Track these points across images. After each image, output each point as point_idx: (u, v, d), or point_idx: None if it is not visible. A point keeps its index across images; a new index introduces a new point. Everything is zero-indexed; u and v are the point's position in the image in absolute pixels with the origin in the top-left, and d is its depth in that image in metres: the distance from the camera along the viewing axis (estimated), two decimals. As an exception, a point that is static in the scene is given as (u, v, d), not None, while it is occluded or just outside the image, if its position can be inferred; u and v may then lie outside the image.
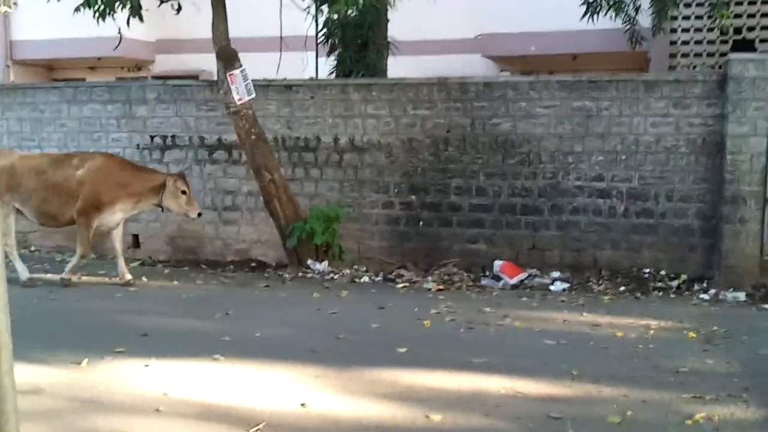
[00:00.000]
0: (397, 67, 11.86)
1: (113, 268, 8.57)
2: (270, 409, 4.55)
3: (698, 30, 14.50)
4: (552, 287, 8.51)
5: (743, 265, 8.41)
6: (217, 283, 8.70)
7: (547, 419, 4.49)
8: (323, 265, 9.01)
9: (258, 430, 4.26)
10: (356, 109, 9.74)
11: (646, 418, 4.54)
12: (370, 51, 11.08)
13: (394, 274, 9.06)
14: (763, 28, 14.25)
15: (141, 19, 9.25)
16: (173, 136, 10.37)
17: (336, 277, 8.88)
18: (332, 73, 11.69)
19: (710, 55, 14.48)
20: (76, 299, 7.73)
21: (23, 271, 8.35)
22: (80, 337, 6.17)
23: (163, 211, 8.63)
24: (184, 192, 8.25)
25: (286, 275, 8.97)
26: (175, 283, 8.29)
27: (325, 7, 9.60)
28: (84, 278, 8.68)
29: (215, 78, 9.45)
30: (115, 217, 8.31)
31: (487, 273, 9.04)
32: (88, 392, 4.84)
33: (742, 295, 8.05)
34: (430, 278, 8.80)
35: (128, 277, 8.33)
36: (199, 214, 8.45)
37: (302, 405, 4.64)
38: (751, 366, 5.55)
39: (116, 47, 10.65)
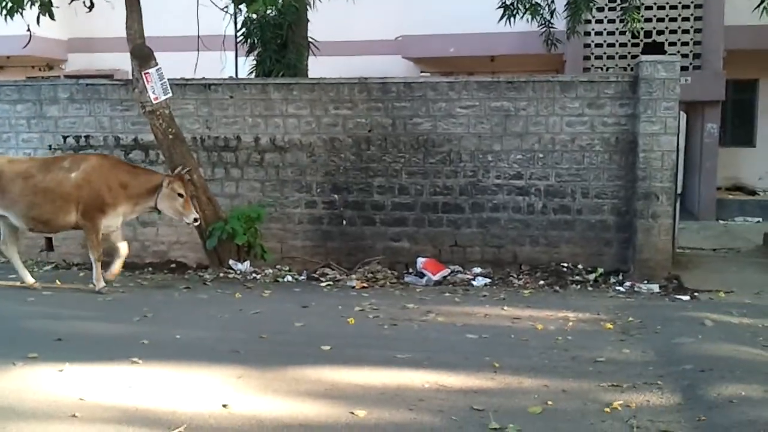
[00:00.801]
0: (318, 68, 11.83)
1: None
2: (191, 411, 4.45)
3: (611, 33, 15.02)
4: (474, 282, 8.63)
5: (656, 258, 8.72)
6: (134, 285, 8.46)
7: (471, 411, 4.54)
8: (245, 266, 8.88)
9: (179, 432, 4.17)
10: (277, 108, 9.65)
11: (566, 407, 4.64)
12: (290, 51, 11.02)
13: (317, 273, 9.02)
14: (672, 31, 14.85)
15: (52, 16, 8.91)
16: (87, 136, 10.04)
17: (258, 277, 8.77)
18: (252, 72, 11.56)
19: (622, 57, 15.02)
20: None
21: (26, 276, 8.08)
22: (-11, 344, 5.90)
23: (159, 213, 8.26)
24: (180, 195, 7.90)
25: (207, 276, 8.80)
26: (91, 286, 8.01)
27: (243, 6, 9.45)
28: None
29: (130, 77, 9.19)
30: (117, 220, 8.02)
31: (411, 270, 9.10)
32: (-2, 400, 4.64)
33: (655, 287, 8.33)
34: (353, 276, 8.79)
35: (102, 285, 7.95)
36: (195, 220, 8.05)
37: (224, 406, 4.55)
38: (665, 355, 5.73)
39: (26, 45, 10.25)
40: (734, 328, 6.48)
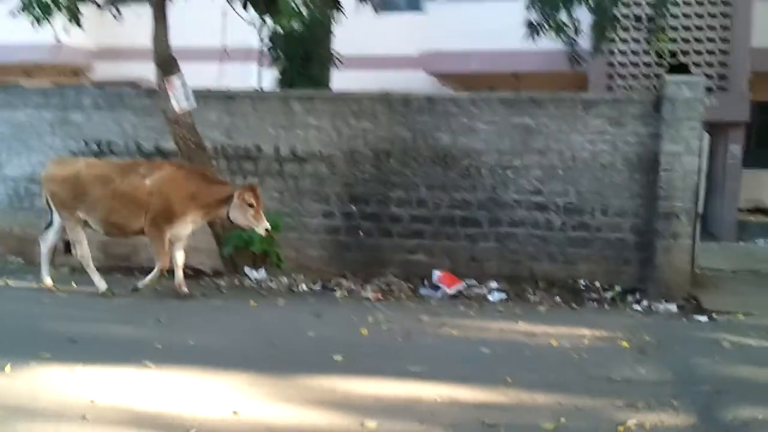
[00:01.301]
0: (341, 81, 11.89)
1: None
2: (200, 417, 4.44)
3: (635, 53, 14.96)
4: (489, 297, 8.57)
5: (675, 278, 8.61)
6: (150, 290, 8.49)
7: (482, 426, 4.49)
8: (260, 274, 8.90)
9: (188, 436, 4.16)
10: (298, 120, 9.69)
11: (579, 424, 4.57)
12: (314, 64, 11.09)
13: (332, 283, 9.00)
14: (697, 52, 14.76)
15: (79, 24, 9.05)
16: (109, 143, 10.14)
17: (273, 285, 8.77)
18: (275, 84, 11.63)
19: (646, 77, 14.93)
20: (1, 304, 7.46)
21: (100, 282, 8.11)
22: (4, 343, 5.93)
23: (232, 223, 8.25)
24: (251, 205, 7.92)
25: (222, 283, 8.82)
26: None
27: (269, 19, 9.53)
28: (10, 282, 8.41)
29: (154, 86, 9.28)
30: (186, 229, 8.09)
31: (426, 283, 9.05)
32: (11, 399, 4.64)
33: (673, 307, 8.23)
34: (368, 288, 8.75)
35: (184, 290, 8.05)
36: (267, 230, 8.07)
37: (234, 413, 4.54)
38: (681, 375, 5.66)
39: (55, 54, 10.39)
40: (752, 351, 6.40)
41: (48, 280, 8.17)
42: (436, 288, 8.77)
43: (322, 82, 11.10)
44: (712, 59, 14.67)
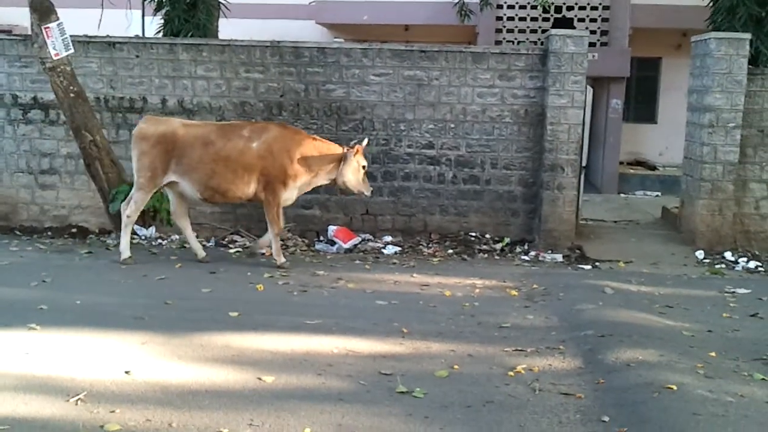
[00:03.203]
0: (229, 30, 11.53)
1: None
2: (91, 378, 4.33)
3: (522, 7, 15.22)
4: (384, 251, 8.66)
5: (561, 228, 8.95)
6: (33, 249, 8.12)
7: (379, 376, 4.57)
8: (150, 231, 8.65)
9: (78, 399, 4.04)
10: (185, 69, 9.35)
11: (472, 371, 4.73)
12: (200, 11, 10.66)
13: (226, 240, 8.86)
14: (581, 7, 15.18)
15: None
16: (-19, 93, 9.50)
17: (164, 242, 8.56)
18: (159, 32, 11.15)
19: (533, 31, 15.25)
20: None
21: (199, 250, 7.74)
22: None
23: (336, 186, 7.83)
24: (364, 167, 7.56)
25: (110, 241, 8.52)
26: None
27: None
28: None
29: (29, 32, 8.71)
30: (294, 193, 7.62)
31: (322, 238, 9.05)
32: None
33: (559, 257, 8.57)
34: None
35: (283, 259, 7.63)
36: (372, 193, 7.79)
37: (126, 372, 4.45)
38: (567, 321, 5.92)
39: None
40: (633, 296, 6.75)
41: (201, 253, 7.83)
42: (332, 243, 8.77)
43: (209, 30, 10.71)
44: (595, 15, 15.13)
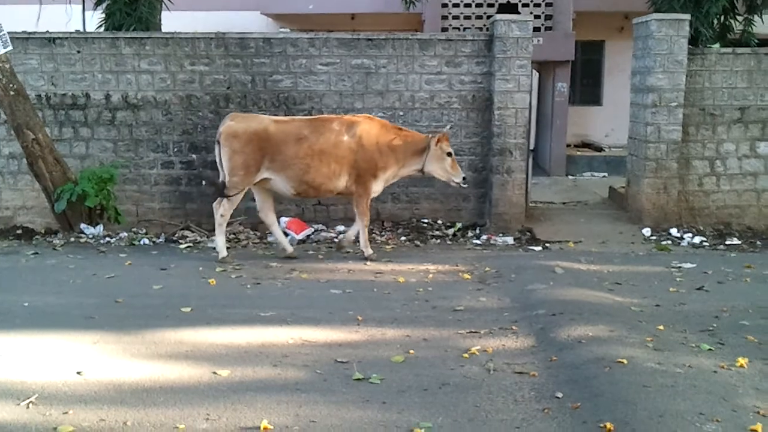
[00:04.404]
0: (173, 23, 11.35)
1: None
2: (42, 381, 4.25)
3: (467, -7, 15.30)
4: (337, 240, 8.64)
5: (511, 211, 9.06)
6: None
7: (335, 364, 4.58)
8: (98, 229, 8.49)
9: (30, 402, 3.96)
10: (129, 64, 9.20)
11: (427, 354, 4.77)
12: (142, 4, 10.47)
13: (176, 235, 8.75)
14: (525, -8, 15.30)
15: None
16: None
17: (113, 241, 8.41)
18: (101, 26, 10.92)
19: (479, 17, 15.34)
20: None
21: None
22: None
23: (423, 176, 7.76)
24: (449, 154, 7.46)
25: (57, 241, 8.34)
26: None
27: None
28: None
29: (-36, 28, 8.47)
30: (381, 185, 7.59)
31: (274, 230, 8.99)
32: None
33: (510, 239, 8.68)
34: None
35: (370, 251, 7.66)
36: (464, 179, 7.63)
37: (78, 373, 4.38)
38: (519, 301, 6.01)
39: None
40: (582, 275, 6.87)
41: (289, 248, 7.78)
42: (286, 234, 8.71)
43: (152, 23, 10.53)
44: (539, 0, 15.28)
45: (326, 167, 7.38)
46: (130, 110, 9.20)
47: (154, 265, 7.27)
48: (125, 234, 8.62)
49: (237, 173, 7.35)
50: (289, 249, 7.75)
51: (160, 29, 10.75)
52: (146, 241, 8.51)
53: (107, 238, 8.45)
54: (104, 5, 10.63)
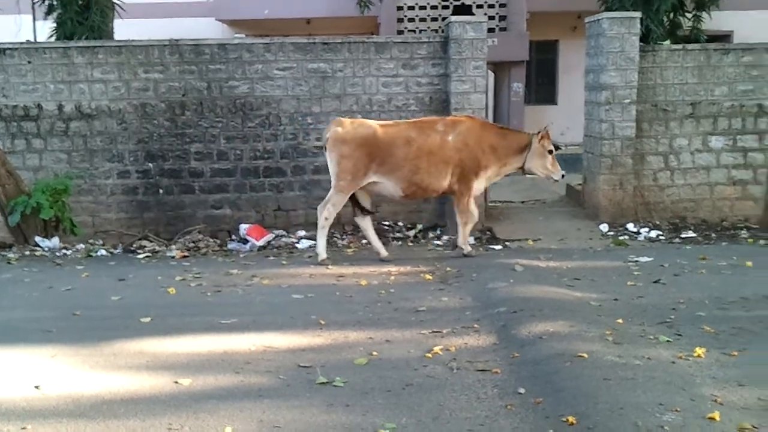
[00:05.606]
0: (126, 31, 11.24)
1: None
2: (-2, 396, 4.15)
3: (422, -4, 15.39)
4: (298, 245, 8.64)
5: (471, 211, 9.10)
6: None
7: (298, 369, 4.56)
8: (53, 242, 8.36)
9: (-16, 419, 3.87)
10: (81, 73, 9.08)
11: (391, 356, 4.77)
12: (94, 12, 10.37)
13: (134, 245, 8.64)
14: (478, -6, 15.44)
15: None
16: None
17: (69, 253, 8.28)
18: (52, 36, 10.76)
19: (434, 20, 15.44)
20: None
21: (381, 249, 7.76)
22: None
23: (524, 173, 7.77)
24: (551, 151, 7.47)
25: (11, 255, 8.17)
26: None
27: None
28: None
29: None
30: (483, 184, 7.64)
31: (234, 237, 8.95)
32: None
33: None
34: (173, 247, 8.51)
35: (469, 248, 7.81)
36: (563, 176, 7.76)
37: (36, 387, 4.28)
38: (481, 300, 6.04)
39: None
40: (542, 272, 6.94)
41: (384, 252, 7.83)
42: (245, 241, 8.68)
43: (105, 32, 10.42)
44: (493, 0, 15.43)
45: (434, 167, 7.52)
46: (83, 120, 9.06)
47: (112, 276, 7.16)
48: (82, 246, 8.49)
49: (345, 177, 7.47)
50: (384, 253, 7.80)
51: (113, 37, 10.64)
52: (103, 252, 8.39)
53: (63, 251, 8.31)
54: (55, 14, 10.49)
